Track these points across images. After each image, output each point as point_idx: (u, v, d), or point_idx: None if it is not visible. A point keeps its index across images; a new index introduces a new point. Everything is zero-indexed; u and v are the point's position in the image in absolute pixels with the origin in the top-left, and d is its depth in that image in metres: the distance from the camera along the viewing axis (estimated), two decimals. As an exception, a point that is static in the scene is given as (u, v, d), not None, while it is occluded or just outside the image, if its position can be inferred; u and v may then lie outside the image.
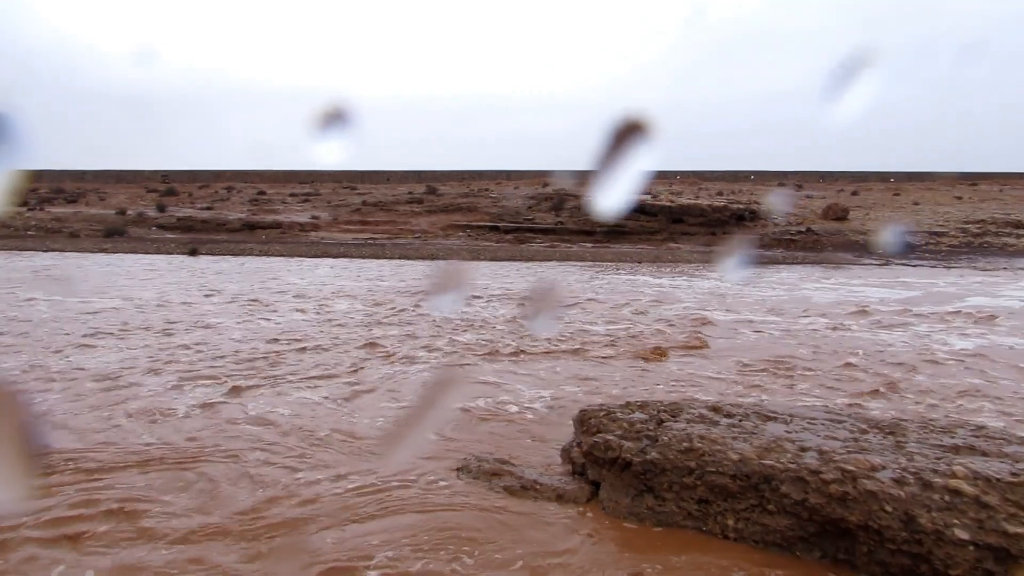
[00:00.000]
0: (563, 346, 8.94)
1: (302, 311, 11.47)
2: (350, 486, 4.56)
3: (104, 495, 4.43)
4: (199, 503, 4.38)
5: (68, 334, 9.38)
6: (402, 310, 11.59)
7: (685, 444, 3.88)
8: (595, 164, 1.46)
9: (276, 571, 3.64)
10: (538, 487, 4.23)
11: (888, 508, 3.15)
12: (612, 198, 1.51)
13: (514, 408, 6.34)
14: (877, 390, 6.93)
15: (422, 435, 5.39)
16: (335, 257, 20.56)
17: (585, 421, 4.58)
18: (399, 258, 20.50)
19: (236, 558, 3.72)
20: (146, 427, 5.80)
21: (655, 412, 4.47)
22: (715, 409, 4.48)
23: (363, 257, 20.61)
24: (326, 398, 6.78)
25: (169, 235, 27.98)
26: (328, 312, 11.43)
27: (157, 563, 3.66)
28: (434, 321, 10.66)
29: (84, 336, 9.33)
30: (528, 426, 5.84)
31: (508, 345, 8.96)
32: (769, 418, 4.27)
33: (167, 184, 47.28)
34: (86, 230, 28.52)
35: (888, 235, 26.74)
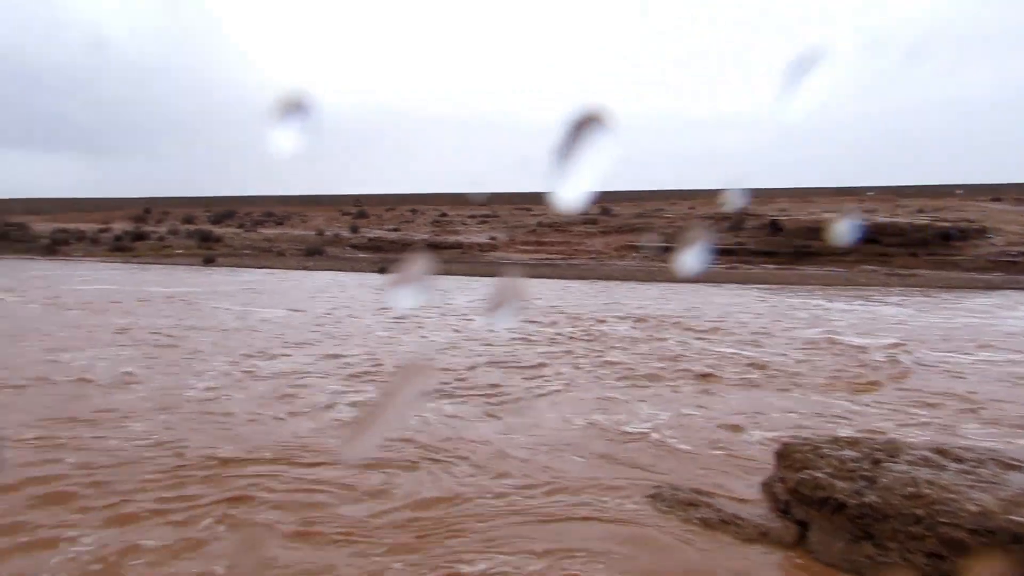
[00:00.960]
0: (742, 375, 8.53)
1: (472, 328, 11.91)
2: (528, 499, 4.63)
3: (288, 485, 4.86)
4: (374, 498, 4.65)
5: (261, 342, 10.44)
6: (568, 331, 11.70)
7: (910, 489, 3.53)
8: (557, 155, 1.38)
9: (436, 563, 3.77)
10: (739, 522, 4.03)
11: None
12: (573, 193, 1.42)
13: (702, 437, 6.12)
14: None
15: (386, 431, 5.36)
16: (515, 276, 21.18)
17: (788, 455, 4.31)
18: (575, 278, 20.70)
19: (407, 548, 3.90)
20: (317, 428, 6.34)
21: (868, 451, 4.11)
22: (941, 452, 4.04)
23: (540, 277, 21.04)
24: (483, 409, 7.01)
25: (361, 254, 30.26)
26: (492, 331, 11.78)
27: (325, 546, 3.93)
28: (604, 342, 10.66)
29: (271, 344, 10.36)
30: (718, 457, 5.60)
31: (690, 370, 8.73)
32: (1011, 466, 3.78)
33: (359, 207, 51.19)
34: (291, 249, 31.54)
35: None
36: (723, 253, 27.45)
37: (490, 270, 22.61)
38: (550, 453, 5.65)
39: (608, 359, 9.47)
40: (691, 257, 2.21)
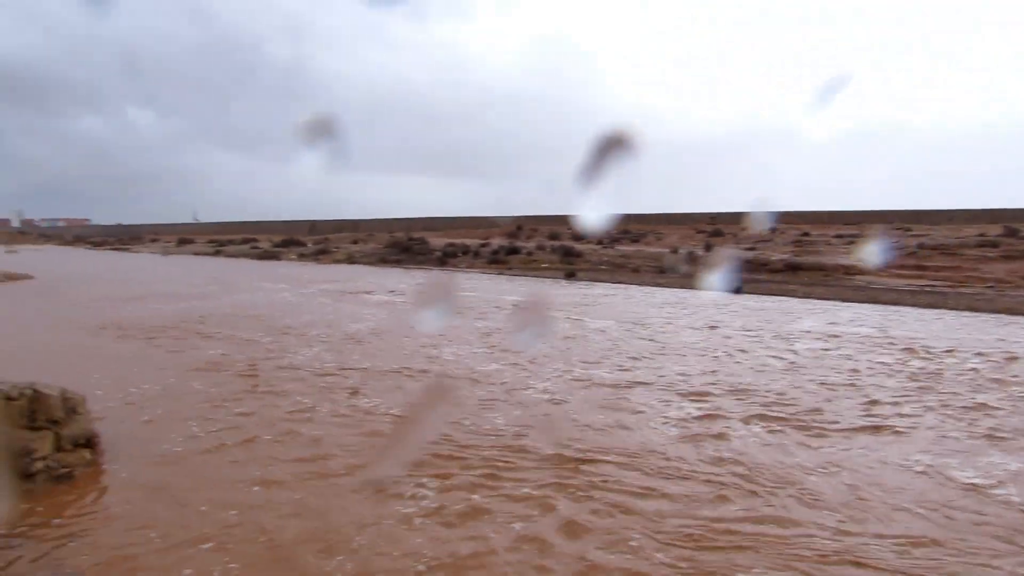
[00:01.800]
0: None
1: (801, 351, 11.08)
2: (861, 543, 4.32)
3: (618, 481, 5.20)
4: (691, 514, 4.72)
5: (592, 352, 11.08)
6: (928, 366, 10.35)
7: None
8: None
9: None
10: None
11: None
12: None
13: None
14: None
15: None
16: (884, 304, 19.10)
17: None
18: (964, 309, 17.86)
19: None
20: (644, 439, 6.59)
21: None
22: None
23: (918, 306, 18.62)
24: (810, 438, 6.55)
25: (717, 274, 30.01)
26: (851, 361, 10.81)
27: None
28: (971, 383, 9.19)
29: (601, 354, 11.06)
30: None
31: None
32: None
33: (714, 226, 50.83)
34: (645, 266, 32.64)
35: None
36: None
37: (857, 295, 20.74)
38: (883, 497, 5.25)
39: (967, 402, 8.27)
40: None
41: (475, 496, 5.26)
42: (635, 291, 23.31)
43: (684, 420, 7.46)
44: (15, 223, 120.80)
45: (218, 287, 23.69)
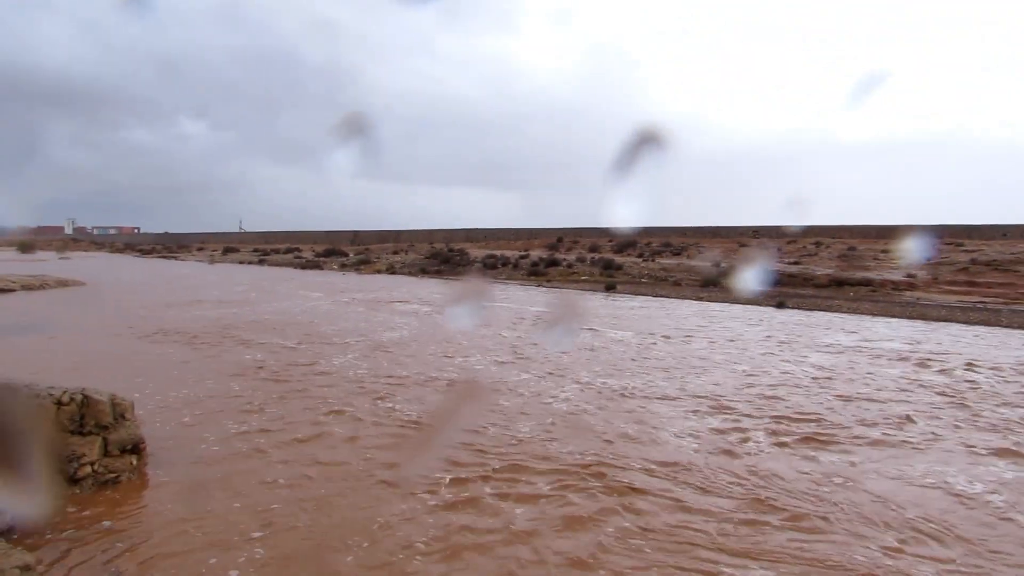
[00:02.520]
0: None
1: (810, 363, 10.77)
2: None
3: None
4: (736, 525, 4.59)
5: (615, 363, 10.91)
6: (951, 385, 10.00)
7: None
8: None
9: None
10: None
11: None
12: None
13: None
14: None
15: None
16: (934, 320, 18.52)
17: None
18: (1019, 327, 17.20)
19: None
20: (670, 452, 6.41)
21: None
22: None
23: (969, 323, 18.01)
24: (851, 457, 6.33)
25: (758, 287, 29.50)
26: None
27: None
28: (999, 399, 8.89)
29: (623, 366, 11.09)
30: None
31: None
32: None
33: (758, 239, 50.08)
34: (686, 280, 32.26)
35: None
36: None
37: (904, 311, 20.19)
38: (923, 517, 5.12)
39: (988, 419, 8.16)
40: None
41: (486, 497, 5.33)
42: (676, 304, 23.05)
43: (703, 431, 7.41)
44: (68, 230, 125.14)
45: (260, 295, 24.13)
